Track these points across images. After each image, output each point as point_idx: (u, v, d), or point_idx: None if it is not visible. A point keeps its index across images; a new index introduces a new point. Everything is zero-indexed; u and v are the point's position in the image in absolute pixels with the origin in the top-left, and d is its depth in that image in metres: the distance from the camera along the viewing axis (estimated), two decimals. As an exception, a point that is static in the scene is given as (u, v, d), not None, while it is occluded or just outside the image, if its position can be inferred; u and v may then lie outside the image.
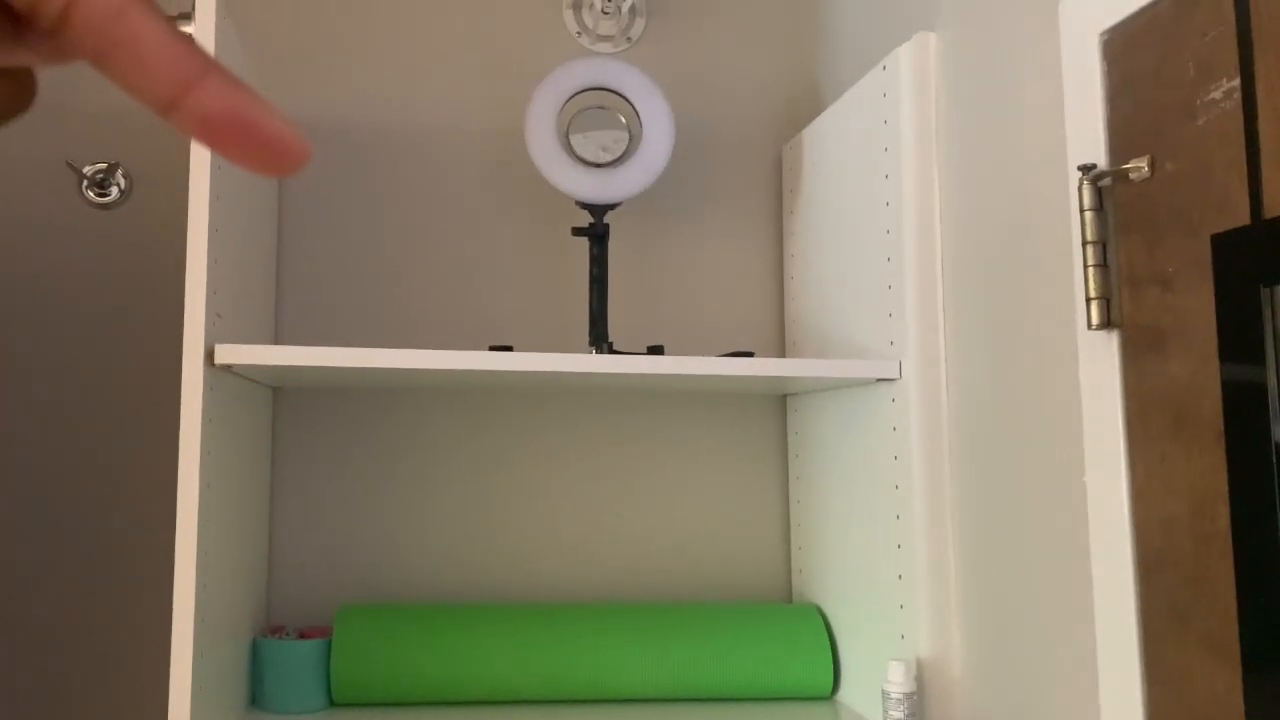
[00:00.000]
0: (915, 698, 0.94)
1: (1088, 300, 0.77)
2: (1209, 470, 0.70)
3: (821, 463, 1.26)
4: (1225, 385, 0.68)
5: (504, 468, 1.33)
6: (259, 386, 1.18)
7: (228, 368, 0.97)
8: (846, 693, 1.17)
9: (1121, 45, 0.77)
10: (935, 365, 1.04)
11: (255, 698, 1.13)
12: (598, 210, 1.20)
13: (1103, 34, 0.79)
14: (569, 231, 1.35)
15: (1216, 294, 0.67)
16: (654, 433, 1.36)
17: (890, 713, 0.94)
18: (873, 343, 1.12)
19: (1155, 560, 0.73)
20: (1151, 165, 0.74)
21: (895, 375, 1.05)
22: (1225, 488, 0.69)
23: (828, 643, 1.18)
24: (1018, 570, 0.88)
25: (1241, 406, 0.67)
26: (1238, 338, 0.66)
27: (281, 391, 1.28)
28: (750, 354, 1.06)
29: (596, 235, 1.20)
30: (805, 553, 1.32)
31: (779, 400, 1.40)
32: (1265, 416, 0.66)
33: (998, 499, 0.92)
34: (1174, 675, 0.71)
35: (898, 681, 0.94)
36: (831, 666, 1.17)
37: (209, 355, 0.93)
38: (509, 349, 1.01)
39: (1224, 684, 0.67)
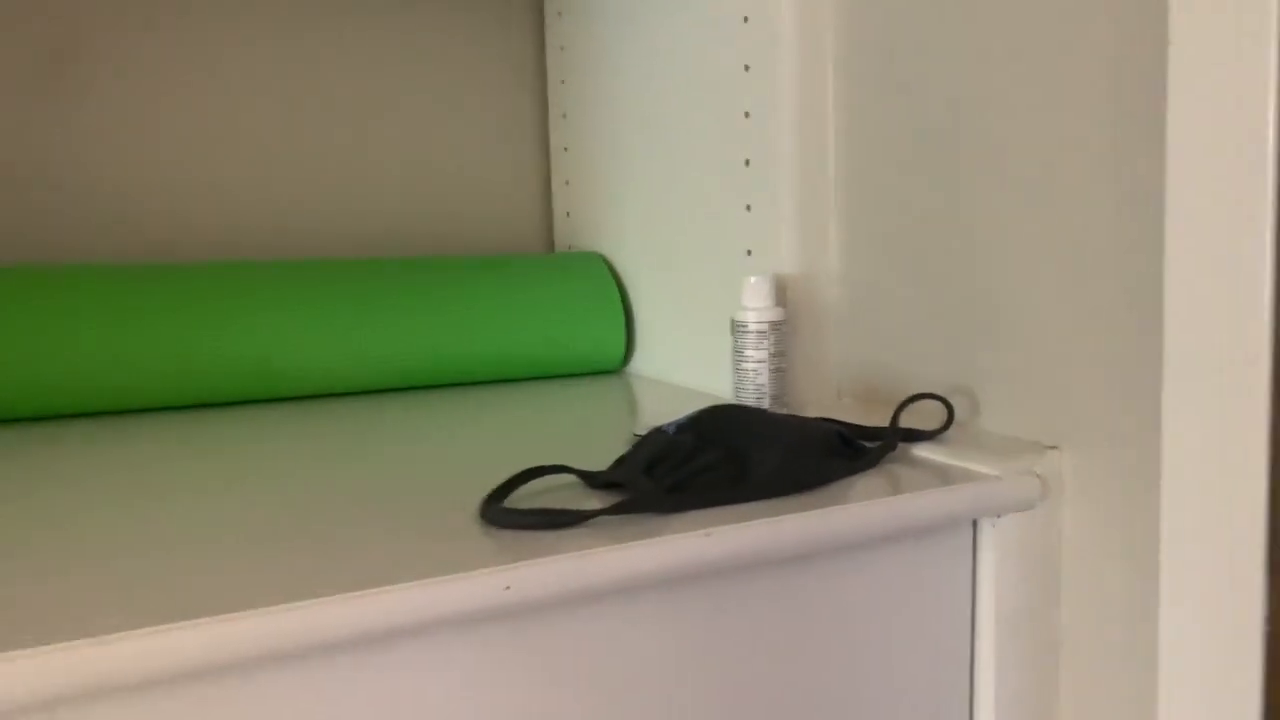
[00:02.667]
0: (784, 329, 0.60)
1: None
2: None
3: (601, 66, 0.86)
4: None
5: (150, 74, 0.81)
6: None
7: None
8: (640, 364, 0.83)
9: None
10: None
11: None
12: None
13: None
14: None
15: None
16: (361, 35, 0.89)
17: (746, 353, 0.60)
18: None
19: None
20: None
21: None
22: None
23: (618, 299, 0.82)
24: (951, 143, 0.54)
25: None
26: None
27: None
28: None
29: None
30: (574, 188, 0.93)
31: (533, 6, 0.97)
32: None
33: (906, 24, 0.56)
34: None
35: (758, 306, 0.59)
36: (624, 332, 0.82)
37: None
38: None
39: None
